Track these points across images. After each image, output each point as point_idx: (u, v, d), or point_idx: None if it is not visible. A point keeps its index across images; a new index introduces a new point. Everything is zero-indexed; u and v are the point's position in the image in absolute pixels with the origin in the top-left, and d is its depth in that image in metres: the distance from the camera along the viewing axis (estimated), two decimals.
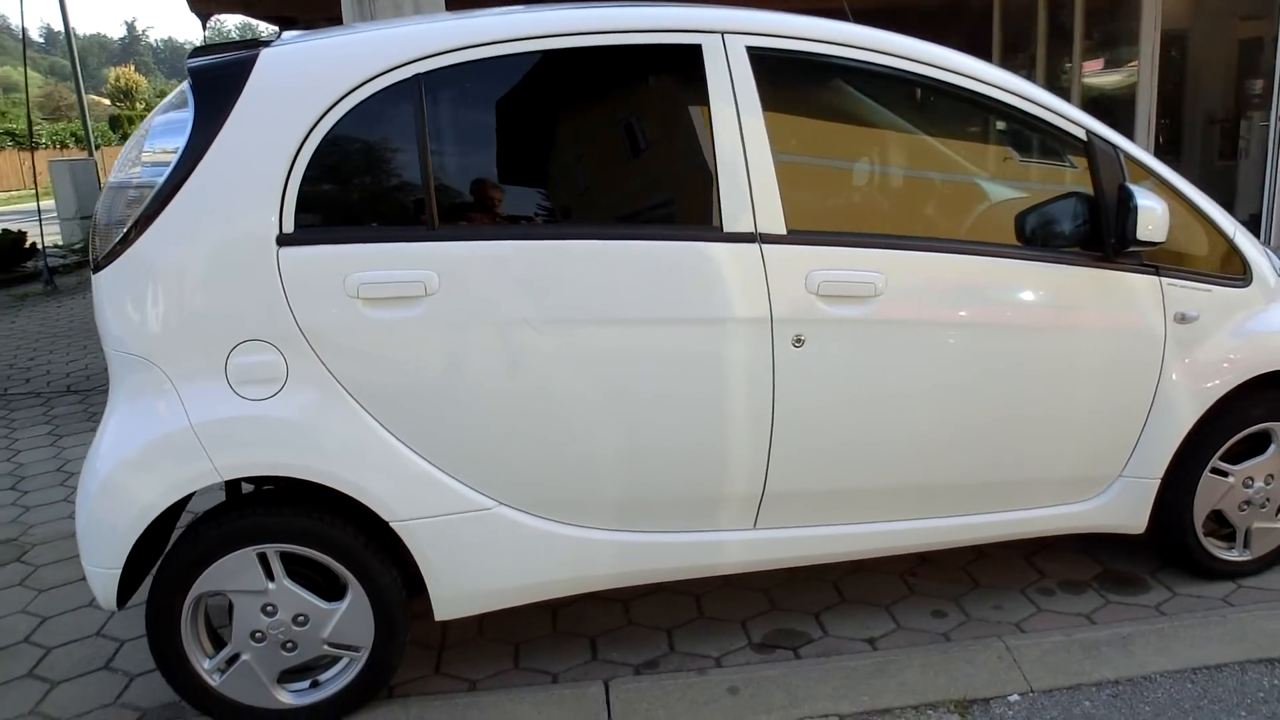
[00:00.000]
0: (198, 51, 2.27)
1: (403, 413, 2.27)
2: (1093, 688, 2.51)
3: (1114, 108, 7.99)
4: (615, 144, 2.47)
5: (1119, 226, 2.50)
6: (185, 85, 2.22)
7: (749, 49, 2.36)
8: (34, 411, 5.34)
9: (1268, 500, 2.91)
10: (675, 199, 2.46)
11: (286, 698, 2.39)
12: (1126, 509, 2.79)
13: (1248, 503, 2.89)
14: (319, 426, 2.23)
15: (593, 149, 2.43)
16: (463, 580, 2.39)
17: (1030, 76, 9.30)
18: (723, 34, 2.35)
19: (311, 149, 2.18)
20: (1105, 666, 2.58)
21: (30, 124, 15.47)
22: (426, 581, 2.36)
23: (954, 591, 2.99)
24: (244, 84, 2.16)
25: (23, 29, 13.90)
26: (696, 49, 2.33)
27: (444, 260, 2.22)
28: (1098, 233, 2.55)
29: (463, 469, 2.32)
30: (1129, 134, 7.56)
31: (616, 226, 2.37)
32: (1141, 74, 7.39)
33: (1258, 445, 2.88)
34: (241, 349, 2.18)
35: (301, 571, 2.34)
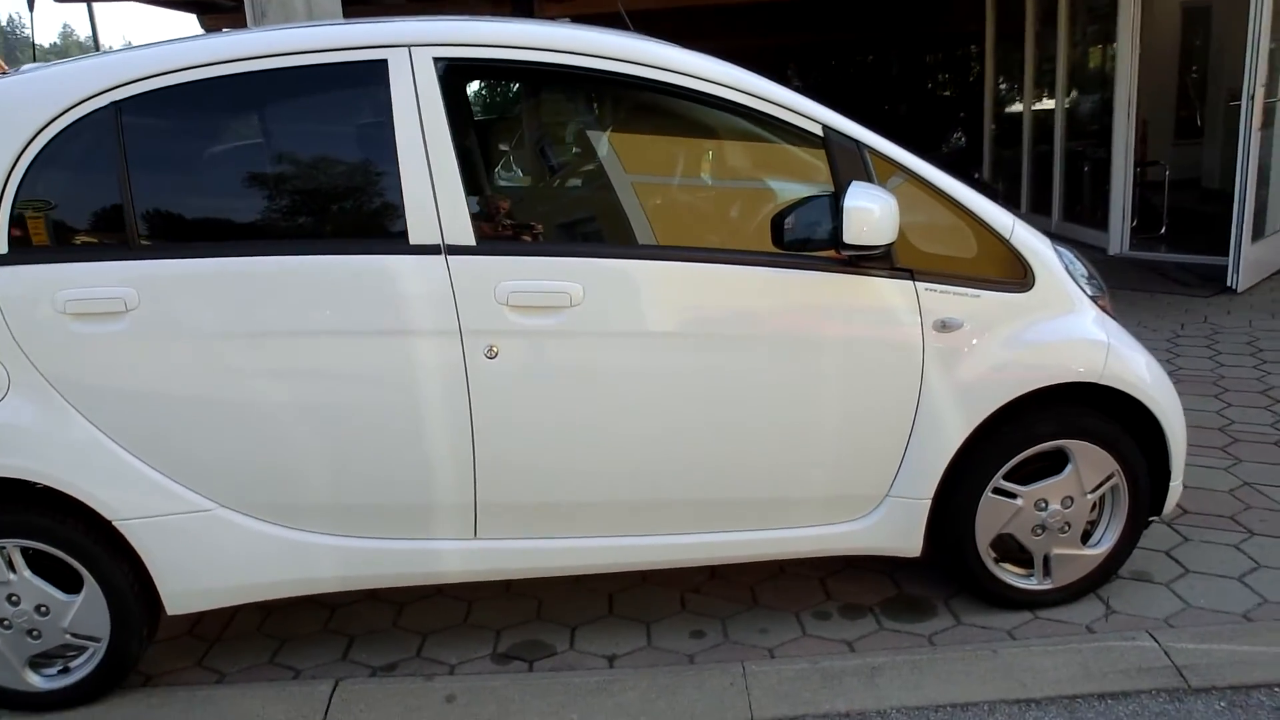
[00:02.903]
0: None
1: (118, 419, 2.41)
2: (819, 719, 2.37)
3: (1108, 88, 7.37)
4: (309, 162, 2.52)
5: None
6: None
7: (436, 60, 2.37)
8: None
9: (1068, 524, 2.64)
10: (367, 214, 2.49)
11: (37, 681, 2.58)
12: (896, 531, 2.61)
13: (1042, 527, 2.64)
14: (39, 432, 2.40)
15: (286, 167, 2.49)
16: (188, 577, 2.51)
17: (1021, 61, 8.70)
18: (409, 47, 2.36)
19: (20, 175, 2.35)
20: (840, 698, 2.42)
21: None
22: (153, 577, 2.50)
23: (727, 611, 2.87)
24: None
25: None
26: (383, 64, 2.36)
27: (142, 278, 2.35)
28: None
29: (178, 472, 2.44)
30: (1109, 114, 6.94)
31: (305, 242, 2.43)
32: (1120, 52, 6.84)
33: (1055, 465, 2.62)
34: None
35: (51, 565, 2.53)
